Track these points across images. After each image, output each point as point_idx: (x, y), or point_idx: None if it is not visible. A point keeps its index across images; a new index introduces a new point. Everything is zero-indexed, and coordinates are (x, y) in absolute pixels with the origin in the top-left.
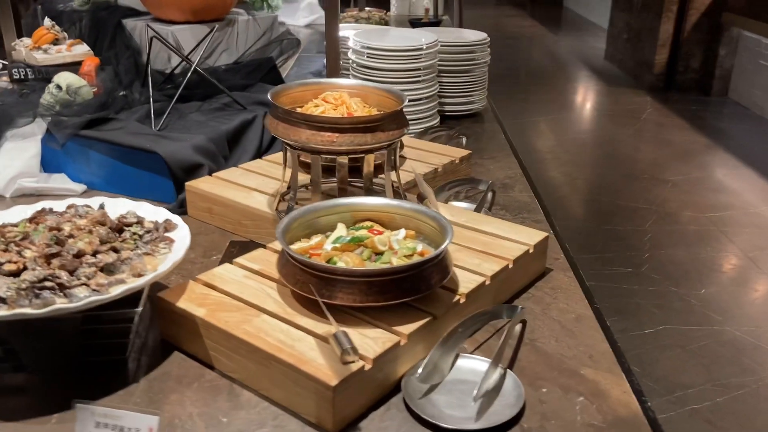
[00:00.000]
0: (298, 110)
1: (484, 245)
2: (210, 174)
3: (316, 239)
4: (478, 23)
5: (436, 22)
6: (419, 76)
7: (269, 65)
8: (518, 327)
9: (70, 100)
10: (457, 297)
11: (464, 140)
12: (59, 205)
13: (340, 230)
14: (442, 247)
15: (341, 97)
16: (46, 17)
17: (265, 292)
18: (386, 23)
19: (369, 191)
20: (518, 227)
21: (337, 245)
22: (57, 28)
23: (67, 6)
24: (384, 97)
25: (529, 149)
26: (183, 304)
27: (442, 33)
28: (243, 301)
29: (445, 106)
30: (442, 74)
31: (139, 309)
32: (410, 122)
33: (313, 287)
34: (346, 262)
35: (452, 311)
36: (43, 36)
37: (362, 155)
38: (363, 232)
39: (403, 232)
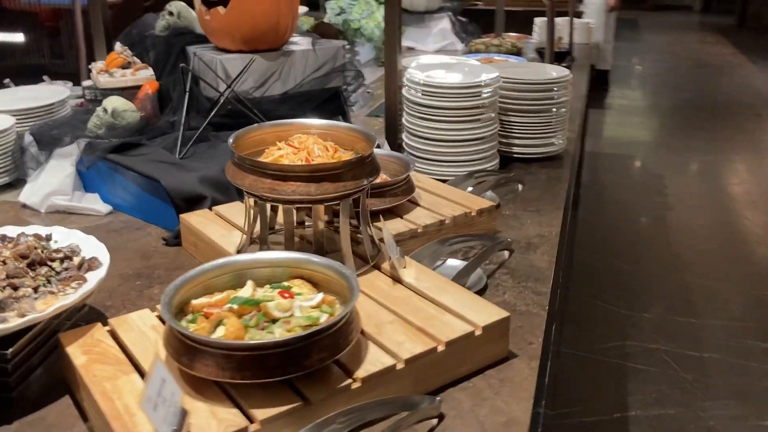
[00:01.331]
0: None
1: (424, 320)
2: (212, 207)
3: (220, 295)
4: (668, 48)
5: (565, 53)
6: (472, 115)
7: (324, 96)
8: (432, 422)
9: (115, 123)
10: (349, 381)
11: (520, 187)
12: (13, 231)
13: (246, 289)
14: (323, 324)
15: (305, 141)
16: (118, 42)
17: (157, 349)
18: (519, 51)
19: (289, 246)
20: (481, 302)
21: (234, 306)
22: (128, 52)
23: (149, 32)
24: (357, 140)
25: (666, 193)
26: (71, 348)
27: (518, 68)
28: (128, 355)
29: (514, 148)
30: (511, 113)
31: (8, 351)
32: (461, 163)
33: (173, 352)
34: (225, 327)
35: (340, 397)
36: (114, 60)
37: (314, 205)
38: (265, 294)
39: (319, 297)
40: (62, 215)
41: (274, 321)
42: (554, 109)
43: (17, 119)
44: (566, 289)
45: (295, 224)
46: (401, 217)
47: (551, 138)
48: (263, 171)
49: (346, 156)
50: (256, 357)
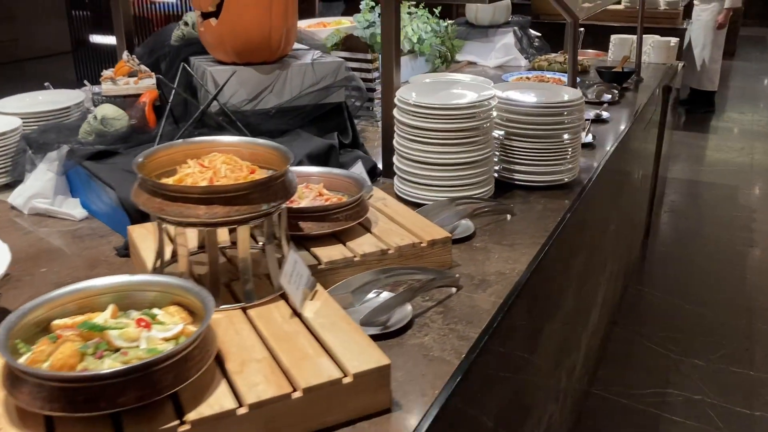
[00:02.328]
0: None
1: (295, 360)
2: None
3: (81, 318)
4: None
5: (627, 73)
6: (459, 138)
7: (318, 112)
8: None
9: (104, 130)
10: (175, 423)
11: (508, 218)
12: None
13: (104, 314)
14: (144, 359)
15: (215, 160)
16: (126, 51)
17: None
18: (586, 70)
19: (182, 269)
20: (368, 346)
21: (84, 329)
22: (135, 61)
23: (167, 41)
24: (275, 158)
25: (754, 228)
26: None
27: (530, 89)
28: None
29: (515, 174)
30: (513, 137)
31: None
32: (448, 188)
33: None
34: (58, 352)
35: None
36: (121, 68)
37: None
38: (119, 322)
39: (178, 328)
40: (42, 218)
41: (117, 350)
42: (563, 135)
43: (26, 122)
44: (612, 324)
45: (191, 246)
46: (344, 243)
47: (557, 166)
48: (155, 190)
49: (242, 176)
50: (65, 389)
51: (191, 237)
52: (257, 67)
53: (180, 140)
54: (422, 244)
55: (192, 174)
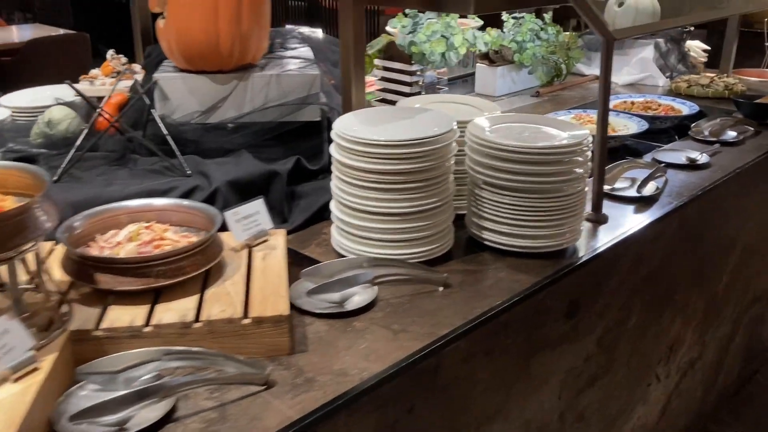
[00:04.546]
0: None
1: None
2: None
3: None
4: None
5: None
6: (403, 183)
7: (283, 129)
8: None
9: (49, 133)
10: None
11: (440, 290)
12: None
13: None
14: None
15: None
16: (112, 49)
17: None
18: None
19: None
20: None
21: None
22: (120, 60)
23: None
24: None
25: None
26: None
27: (520, 123)
28: None
29: (484, 233)
30: (485, 186)
31: None
32: (389, 243)
33: None
34: None
35: None
36: (105, 68)
37: None
38: None
39: None
40: None
41: None
42: (547, 189)
43: (17, 116)
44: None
45: None
46: (155, 303)
47: (534, 229)
48: None
49: None
50: None
51: None
52: (211, 75)
53: None
54: (244, 321)
55: None
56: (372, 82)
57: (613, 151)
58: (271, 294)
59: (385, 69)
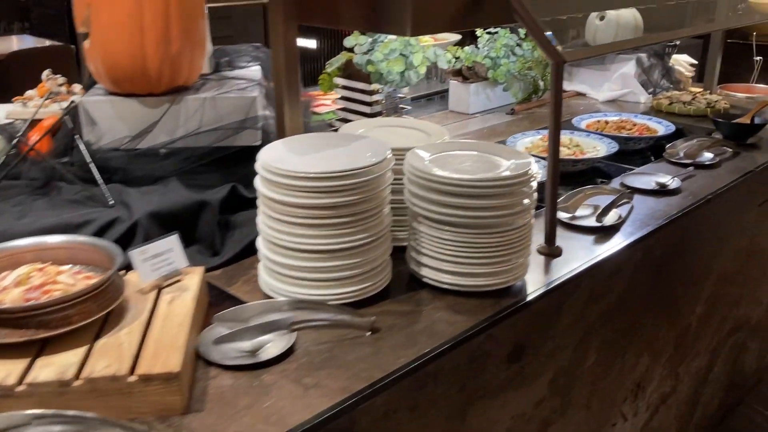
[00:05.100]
0: None
1: None
2: None
3: None
4: None
5: (756, 127)
6: (327, 218)
7: (220, 154)
8: None
9: None
10: None
11: (368, 334)
12: None
13: None
14: None
15: None
16: (48, 69)
17: None
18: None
19: None
20: None
21: None
22: (57, 81)
23: None
24: None
25: None
26: None
27: (474, 152)
28: None
29: (423, 270)
30: (423, 219)
31: None
32: (314, 283)
33: None
34: None
35: None
36: (40, 89)
37: None
38: None
39: None
40: None
41: None
42: (495, 225)
43: None
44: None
45: None
46: (37, 357)
47: (477, 266)
48: None
49: None
50: None
51: None
52: (141, 99)
53: None
54: (129, 379)
55: None
56: (333, 100)
57: (582, 174)
58: (166, 346)
59: (345, 88)
